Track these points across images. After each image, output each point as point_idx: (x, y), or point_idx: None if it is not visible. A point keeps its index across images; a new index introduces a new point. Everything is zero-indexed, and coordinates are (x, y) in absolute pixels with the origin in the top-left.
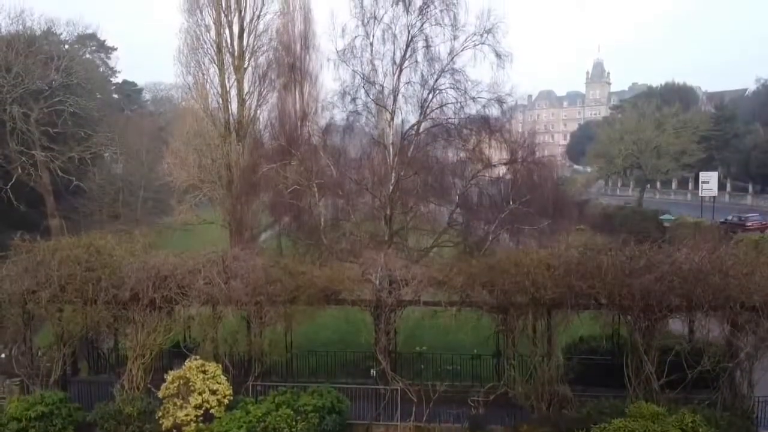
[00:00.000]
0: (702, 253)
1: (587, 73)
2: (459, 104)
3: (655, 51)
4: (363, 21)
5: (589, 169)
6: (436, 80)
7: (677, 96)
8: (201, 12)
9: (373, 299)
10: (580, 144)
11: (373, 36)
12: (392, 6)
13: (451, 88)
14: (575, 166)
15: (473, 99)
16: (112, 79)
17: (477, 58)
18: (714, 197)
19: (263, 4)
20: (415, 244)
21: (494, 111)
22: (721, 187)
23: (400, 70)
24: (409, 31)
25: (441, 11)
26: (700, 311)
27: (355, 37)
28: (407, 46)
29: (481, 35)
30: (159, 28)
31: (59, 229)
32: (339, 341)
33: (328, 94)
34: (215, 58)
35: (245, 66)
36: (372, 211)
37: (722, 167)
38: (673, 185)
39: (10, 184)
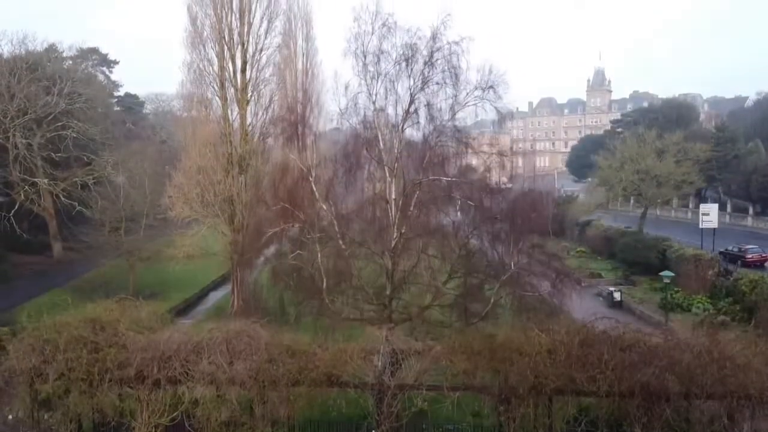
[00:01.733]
0: (701, 340)
1: (588, 80)
2: (459, 158)
3: (657, 58)
4: (366, 79)
5: (590, 179)
6: (437, 138)
7: (677, 112)
8: (204, 46)
9: (375, 383)
10: (581, 158)
11: (376, 95)
12: (394, 66)
13: (451, 140)
14: (572, 189)
15: (475, 153)
16: (114, 92)
17: (478, 113)
18: (714, 229)
19: (266, 36)
20: (416, 300)
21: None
22: (722, 206)
23: (402, 130)
24: (411, 92)
25: (443, 72)
26: (699, 400)
27: (358, 93)
28: (409, 104)
29: (483, 90)
30: (161, 37)
31: (61, 253)
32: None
33: (331, 147)
34: (218, 91)
35: (248, 98)
36: (374, 268)
37: (723, 187)
38: (674, 202)
39: (12, 211)
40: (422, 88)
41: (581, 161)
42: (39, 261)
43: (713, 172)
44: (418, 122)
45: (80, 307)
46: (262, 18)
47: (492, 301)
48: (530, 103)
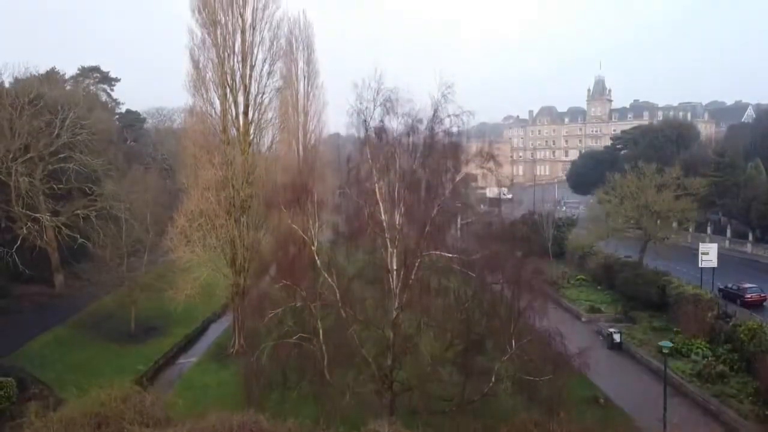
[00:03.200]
0: None
1: (588, 90)
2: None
3: (657, 65)
4: (369, 157)
5: (590, 198)
6: (435, 211)
7: (677, 132)
8: (206, 90)
9: None
10: (581, 174)
11: (378, 166)
12: (396, 139)
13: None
14: (573, 201)
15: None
16: (115, 110)
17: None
18: (714, 268)
19: (268, 78)
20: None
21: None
22: (722, 232)
23: (403, 201)
24: (413, 166)
25: (443, 147)
26: None
27: (362, 162)
28: (411, 175)
29: (483, 158)
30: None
31: (63, 286)
32: None
33: (332, 212)
34: (220, 134)
35: (250, 140)
36: (376, 337)
37: (723, 212)
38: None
39: (15, 246)
40: (423, 162)
41: (581, 177)
42: (41, 292)
43: (713, 198)
44: (418, 198)
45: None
46: (264, 60)
47: (493, 379)
48: (530, 112)
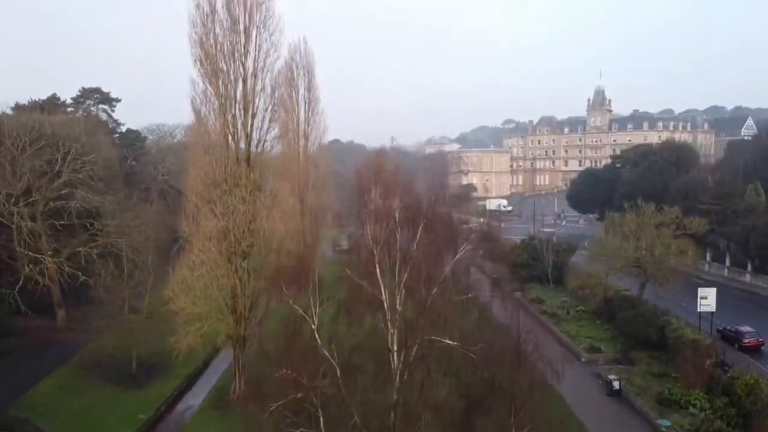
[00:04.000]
0: None
1: (588, 100)
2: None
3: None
4: (370, 238)
5: (590, 216)
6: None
7: (677, 155)
8: (209, 136)
9: None
10: (581, 192)
11: (379, 250)
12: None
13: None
14: (573, 215)
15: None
16: (117, 130)
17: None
18: (713, 312)
19: (269, 127)
20: None
21: None
22: (721, 259)
23: (403, 287)
24: (414, 248)
25: (444, 230)
26: None
27: (362, 239)
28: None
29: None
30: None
31: (64, 321)
32: None
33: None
34: (223, 186)
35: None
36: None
37: (722, 240)
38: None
39: (17, 287)
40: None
41: (581, 195)
42: (43, 326)
43: (713, 226)
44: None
45: None
46: (266, 109)
47: None
48: (530, 121)
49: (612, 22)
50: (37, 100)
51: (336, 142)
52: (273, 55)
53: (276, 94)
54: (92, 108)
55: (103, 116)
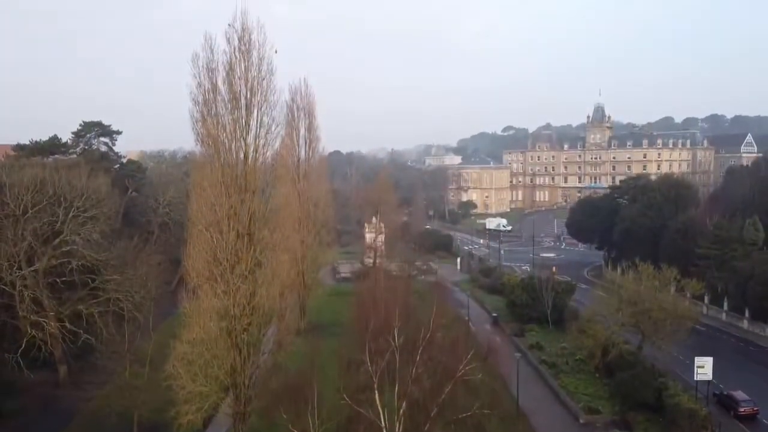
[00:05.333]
0: None
1: (588, 117)
2: None
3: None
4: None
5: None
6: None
7: (675, 192)
8: (212, 213)
9: None
10: (579, 221)
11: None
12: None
13: None
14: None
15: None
16: (118, 160)
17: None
18: (709, 381)
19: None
20: None
21: None
22: (719, 303)
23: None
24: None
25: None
26: None
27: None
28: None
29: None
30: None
31: (66, 377)
32: None
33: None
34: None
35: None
36: None
37: (720, 285)
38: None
39: (20, 350)
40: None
41: (580, 224)
42: (45, 381)
43: (713, 270)
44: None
45: None
46: (267, 184)
47: None
48: (530, 137)
49: (612, 30)
50: (38, 141)
51: (336, 153)
52: (275, 130)
53: (275, 172)
54: (93, 141)
55: (104, 148)
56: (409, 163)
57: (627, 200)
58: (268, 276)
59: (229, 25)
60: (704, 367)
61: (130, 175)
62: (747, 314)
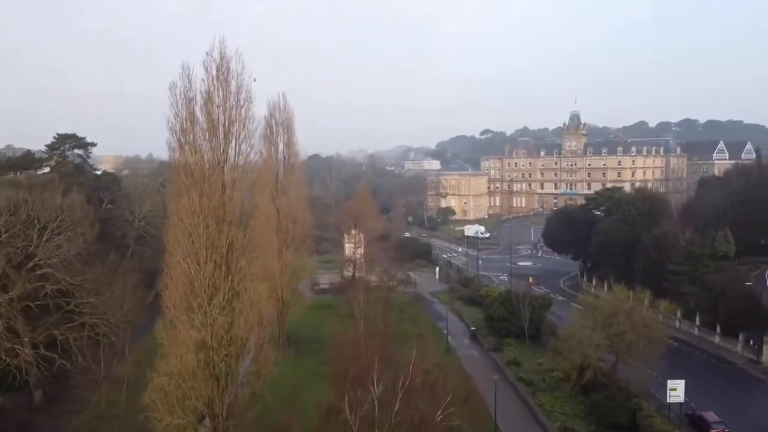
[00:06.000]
0: None
1: (564, 124)
2: None
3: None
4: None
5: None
6: None
7: (650, 205)
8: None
9: None
10: (555, 232)
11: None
12: None
13: None
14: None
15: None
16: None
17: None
18: (681, 403)
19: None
20: None
21: None
22: (691, 317)
23: None
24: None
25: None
26: None
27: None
28: None
29: None
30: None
31: (42, 402)
32: None
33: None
34: (202, 297)
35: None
36: None
37: (692, 300)
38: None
39: None
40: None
41: (556, 236)
42: (20, 406)
43: (686, 286)
44: None
45: None
46: (244, 215)
47: None
48: (508, 143)
49: (588, 34)
50: (11, 156)
51: (315, 157)
52: (253, 158)
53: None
54: (68, 153)
55: (78, 160)
56: (388, 168)
57: (602, 212)
58: (246, 306)
59: (207, 53)
60: (676, 390)
61: (105, 188)
62: (718, 330)
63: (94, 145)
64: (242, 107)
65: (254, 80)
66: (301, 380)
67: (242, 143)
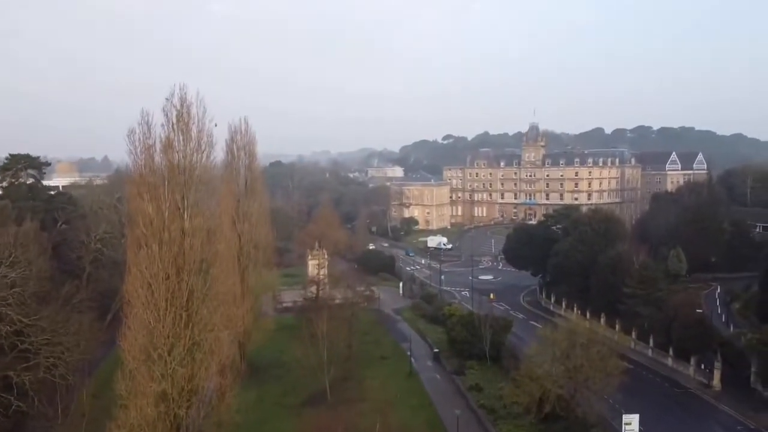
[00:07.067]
0: None
1: (524, 135)
2: None
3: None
4: None
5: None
6: None
7: (605, 226)
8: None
9: None
10: (515, 248)
11: None
12: None
13: None
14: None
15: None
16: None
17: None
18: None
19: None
20: None
21: None
22: (645, 338)
23: None
24: None
25: None
26: None
27: None
28: None
29: None
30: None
31: None
32: None
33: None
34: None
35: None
36: None
37: (646, 323)
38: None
39: None
40: None
41: (516, 252)
42: None
43: (640, 308)
44: None
45: None
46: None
47: None
48: (469, 155)
49: (546, 42)
50: None
51: (277, 164)
52: (214, 205)
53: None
54: (21, 173)
55: (31, 180)
56: (351, 175)
57: (560, 231)
58: (207, 356)
59: (166, 99)
60: (631, 424)
61: (59, 208)
62: (671, 352)
63: (47, 164)
64: (203, 152)
65: (215, 125)
66: (264, 413)
67: (203, 189)
